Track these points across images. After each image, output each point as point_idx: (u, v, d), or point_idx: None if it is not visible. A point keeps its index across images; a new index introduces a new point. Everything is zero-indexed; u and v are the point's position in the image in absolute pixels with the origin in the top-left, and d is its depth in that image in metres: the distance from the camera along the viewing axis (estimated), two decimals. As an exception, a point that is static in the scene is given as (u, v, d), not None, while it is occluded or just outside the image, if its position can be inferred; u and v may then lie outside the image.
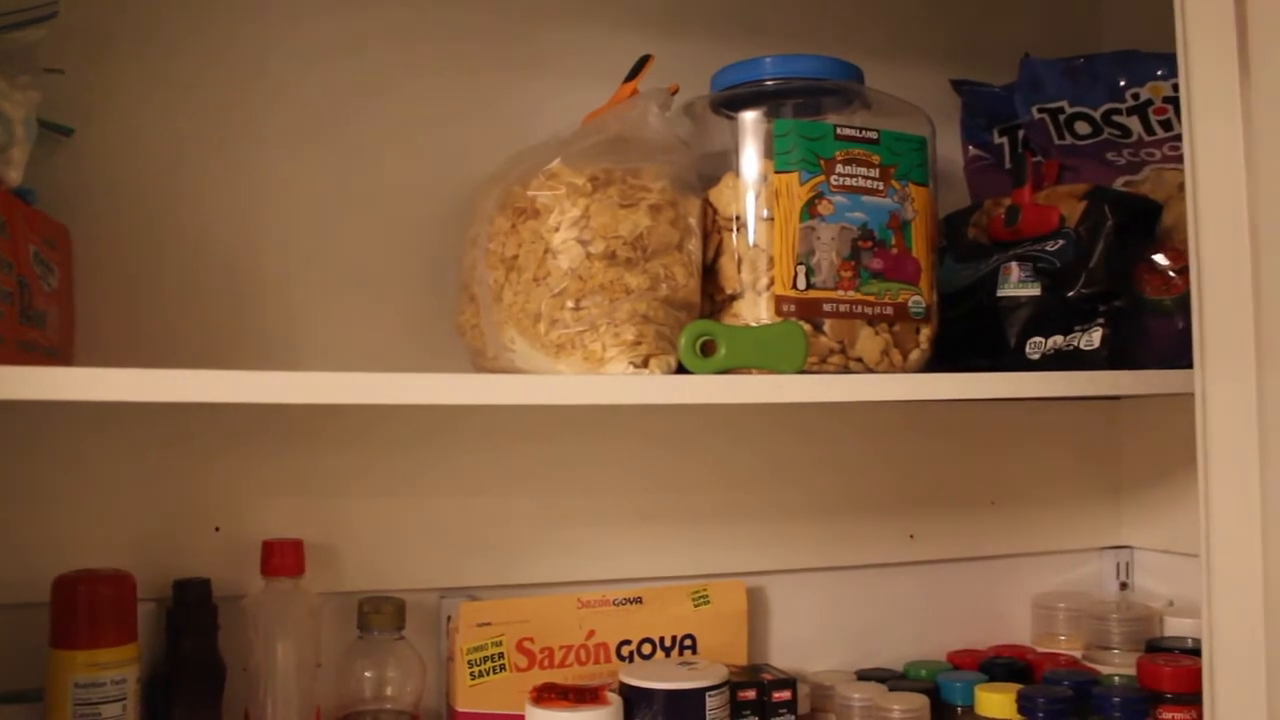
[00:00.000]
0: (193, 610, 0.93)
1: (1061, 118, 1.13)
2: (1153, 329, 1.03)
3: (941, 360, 1.00)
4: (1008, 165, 1.23)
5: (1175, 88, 1.06)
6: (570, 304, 0.85)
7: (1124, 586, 1.31)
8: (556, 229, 0.86)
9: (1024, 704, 1.00)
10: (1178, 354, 1.00)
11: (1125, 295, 1.01)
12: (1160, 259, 1.03)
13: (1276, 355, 0.74)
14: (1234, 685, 0.76)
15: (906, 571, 1.23)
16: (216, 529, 0.99)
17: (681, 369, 0.86)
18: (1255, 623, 0.74)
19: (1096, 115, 1.12)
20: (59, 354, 0.88)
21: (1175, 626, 1.17)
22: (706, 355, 0.85)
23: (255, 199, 1.02)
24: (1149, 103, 1.09)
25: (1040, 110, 1.14)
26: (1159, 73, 1.08)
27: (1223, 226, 0.77)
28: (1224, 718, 0.76)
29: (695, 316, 0.90)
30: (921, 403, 1.16)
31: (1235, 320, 0.76)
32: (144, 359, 0.75)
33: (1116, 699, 1.01)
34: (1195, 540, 1.20)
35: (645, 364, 0.85)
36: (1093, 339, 0.99)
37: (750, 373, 0.87)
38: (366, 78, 1.05)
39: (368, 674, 0.97)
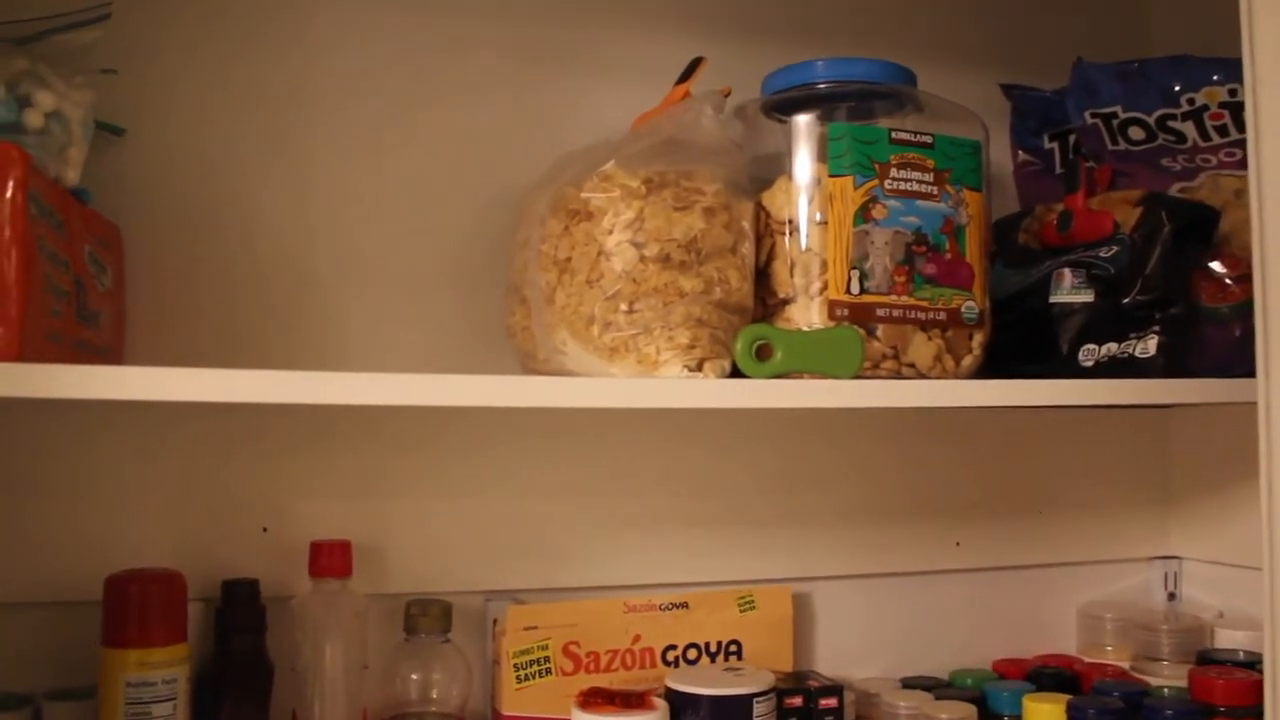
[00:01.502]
0: (241, 610, 0.93)
1: (1115, 123, 1.12)
2: (1209, 337, 1.02)
3: (992, 366, 0.99)
4: (1058, 170, 1.22)
5: (1231, 93, 1.06)
6: (624, 306, 0.85)
7: (1172, 597, 1.30)
8: (610, 231, 0.86)
9: (1074, 715, 1.00)
10: (1234, 362, 0.99)
11: (1181, 303, 0.99)
12: (1217, 266, 1.02)
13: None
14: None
15: (952, 579, 1.22)
16: (264, 530, 0.99)
17: (736, 372, 0.86)
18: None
19: (1151, 120, 1.10)
20: (111, 353, 0.89)
21: (1226, 639, 1.16)
22: (762, 359, 0.85)
23: (304, 202, 1.02)
24: (1204, 108, 1.08)
25: (1093, 115, 1.13)
26: (1214, 78, 1.07)
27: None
28: (1288, 733, 0.75)
29: (748, 320, 0.90)
30: (970, 409, 1.15)
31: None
32: (192, 359, 0.76)
33: (1169, 711, 0.99)
34: (1245, 551, 1.21)
35: (700, 367, 0.85)
36: (1148, 346, 0.97)
37: (804, 377, 0.86)
38: (414, 81, 1.06)
39: (414, 676, 0.97)
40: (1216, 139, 1.08)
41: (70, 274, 0.78)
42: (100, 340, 0.85)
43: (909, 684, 1.13)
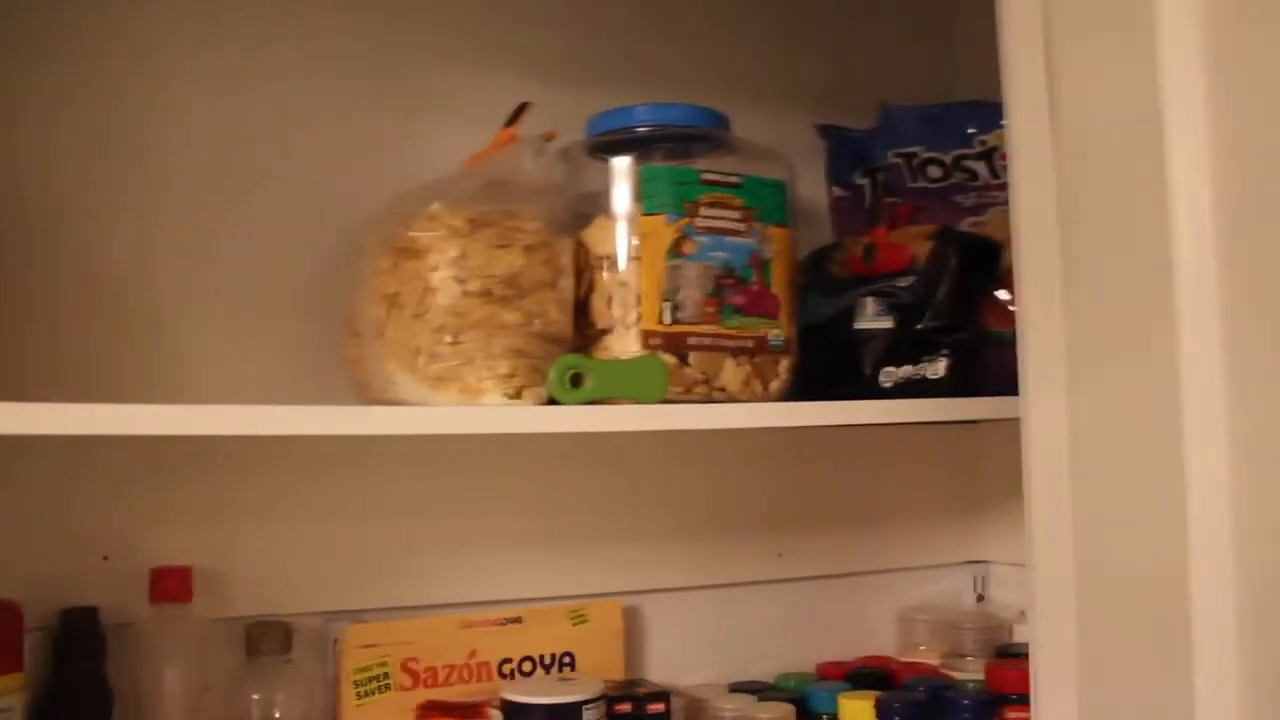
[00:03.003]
0: (80, 638, 0.94)
1: (915, 162, 1.21)
2: (997, 359, 1.11)
3: (810, 387, 1.06)
4: (868, 205, 1.31)
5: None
6: (448, 339, 0.90)
7: (981, 599, 1.40)
8: (436, 268, 0.91)
9: (882, 710, 1.07)
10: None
11: (970, 328, 1.09)
12: (1002, 294, 1.12)
13: (1082, 382, 0.82)
14: (1053, 680, 0.84)
15: (776, 589, 1.29)
16: (105, 558, 1.01)
17: (554, 400, 0.91)
18: (1068, 624, 0.81)
19: (948, 160, 1.20)
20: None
21: (1024, 634, 1.25)
22: (576, 387, 0.91)
23: (142, 230, 1.04)
24: (995, 149, 1.18)
25: (896, 154, 1.22)
26: (1003, 121, 1.16)
27: (1039, 268, 0.85)
28: (1046, 711, 0.84)
29: (567, 350, 0.95)
30: (789, 428, 1.22)
31: (1049, 354, 0.84)
32: (27, 392, 0.76)
33: (966, 702, 1.08)
34: (1045, 554, 1.31)
35: (519, 395, 0.90)
36: (938, 368, 1.07)
37: (616, 403, 0.92)
38: (255, 114, 1.09)
39: (255, 696, 0.99)
40: (1004, 177, 1.18)
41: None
42: (-66, 376, 0.87)
43: (736, 689, 1.19)
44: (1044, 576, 0.85)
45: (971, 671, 1.20)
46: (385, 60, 1.15)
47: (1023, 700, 1.07)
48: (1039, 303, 0.85)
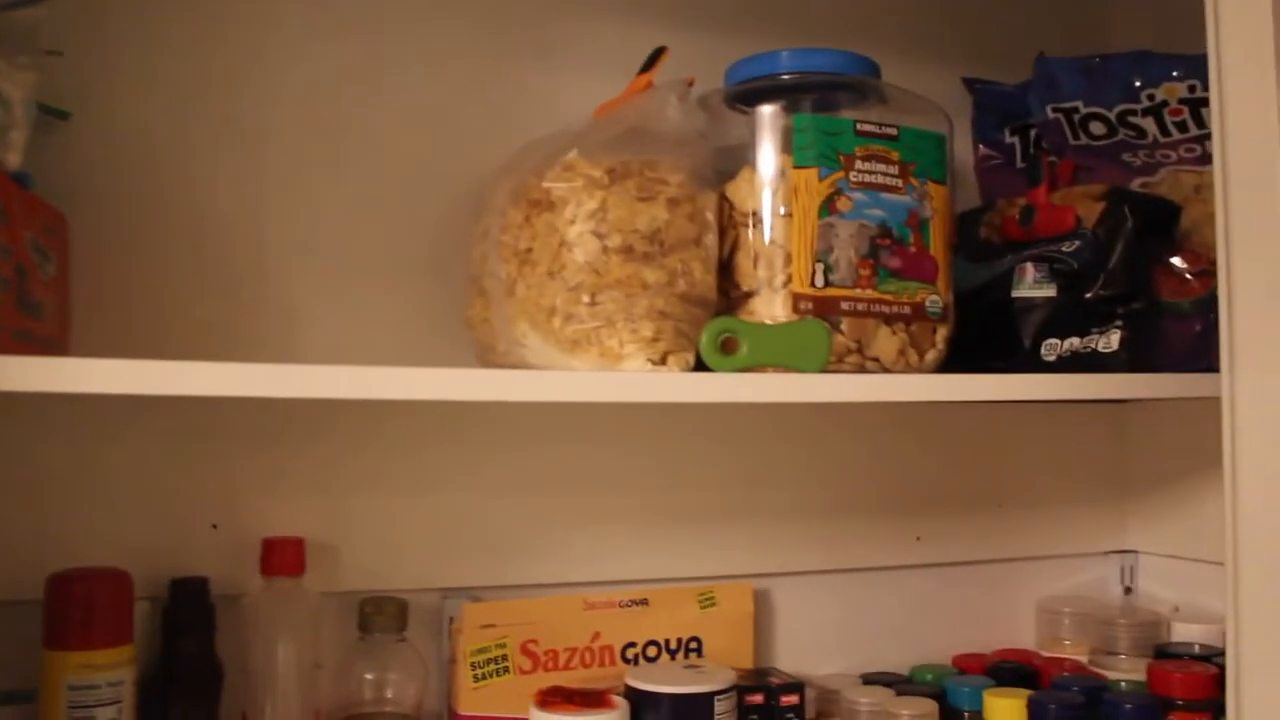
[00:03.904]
0: (190, 609, 0.91)
1: (1076, 118, 1.12)
2: (1169, 332, 1.02)
3: (953, 361, 0.99)
4: (1019, 164, 1.22)
5: (1191, 89, 1.06)
6: (586, 299, 0.83)
7: (1128, 591, 1.31)
8: (573, 221, 0.84)
9: (1036, 710, 0.99)
10: (1194, 357, 0.99)
11: (1143, 298, 1.00)
12: (1177, 262, 1.02)
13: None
14: (1261, 694, 0.75)
15: (912, 574, 1.22)
16: (214, 526, 0.97)
17: (700, 366, 0.84)
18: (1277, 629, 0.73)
19: (1111, 116, 1.10)
20: (55, 345, 0.86)
21: (1182, 632, 1.16)
22: (727, 352, 0.83)
23: (256, 187, 1.00)
24: (1164, 104, 1.08)
25: (1055, 110, 1.12)
26: (1174, 73, 1.07)
27: (1254, 228, 0.76)
28: (1252, 728, 0.75)
29: (711, 313, 0.88)
30: (930, 403, 1.14)
31: (1266, 323, 0.75)
32: (139, 351, 0.73)
33: (1128, 705, 1.00)
34: (1201, 545, 1.22)
35: (663, 361, 0.83)
36: (1111, 341, 0.97)
37: (769, 371, 0.85)
38: (369, 66, 1.03)
39: (368, 676, 0.95)
40: (1176, 134, 1.08)
41: (11, 261, 0.75)
42: (43, 331, 0.82)
43: (869, 680, 1.12)
44: (1249, 576, 0.76)
45: (1125, 671, 1.11)
46: (507, 5, 1.08)
47: (1191, 707, 1.00)
48: (1248, 266, 0.76)
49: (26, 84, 0.81)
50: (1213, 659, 1.07)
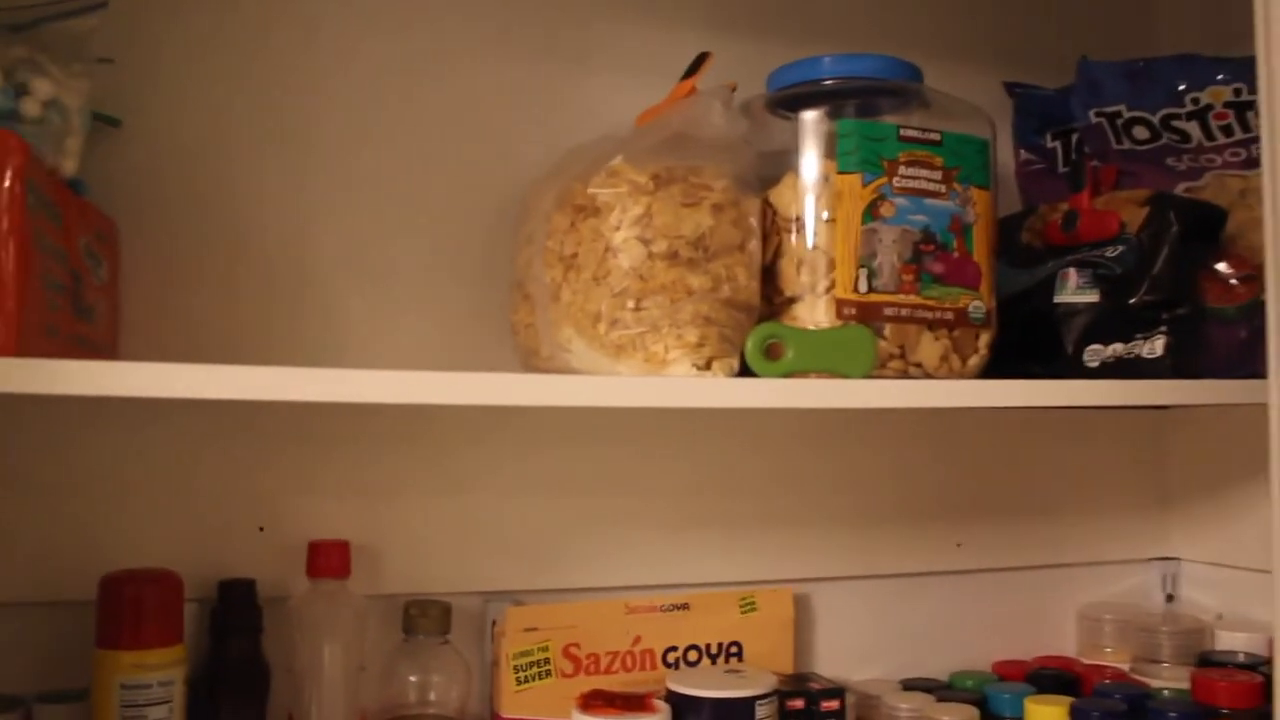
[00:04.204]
0: (238, 611, 0.92)
1: (1119, 122, 1.11)
2: (1213, 338, 1.01)
3: (996, 366, 0.98)
4: (1061, 169, 1.21)
5: (1236, 92, 1.05)
6: (631, 304, 0.84)
7: (1170, 599, 1.30)
8: (618, 227, 0.84)
9: (1078, 717, 0.99)
10: (1239, 363, 0.98)
11: (1188, 303, 0.99)
12: (1222, 267, 1.01)
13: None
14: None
15: (953, 580, 1.22)
16: (261, 529, 0.97)
17: (744, 371, 0.84)
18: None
19: (1155, 120, 1.10)
20: (105, 348, 0.87)
21: (1226, 640, 1.15)
22: (772, 358, 0.83)
23: (303, 196, 1.01)
24: (1209, 108, 1.07)
25: (1098, 114, 1.12)
26: (1219, 77, 1.06)
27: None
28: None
29: (755, 319, 0.88)
30: (972, 408, 1.14)
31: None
32: (186, 355, 0.74)
33: (1173, 714, 0.99)
34: (1243, 553, 1.21)
35: (708, 366, 0.83)
36: (1155, 347, 0.97)
37: (814, 376, 0.85)
38: (412, 71, 1.04)
39: (412, 678, 0.95)
40: (1221, 139, 1.07)
41: (67, 267, 0.77)
42: (95, 335, 0.84)
43: (909, 686, 1.12)
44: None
45: (1168, 679, 1.10)
46: (549, 11, 1.09)
47: (1236, 715, 0.99)
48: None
49: (81, 92, 0.82)
50: (1258, 667, 1.06)
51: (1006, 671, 1.17)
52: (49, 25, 0.82)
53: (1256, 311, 0.89)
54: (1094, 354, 1.00)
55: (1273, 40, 0.78)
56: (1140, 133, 1.11)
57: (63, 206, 0.77)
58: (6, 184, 0.67)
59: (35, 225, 0.70)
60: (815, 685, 1.03)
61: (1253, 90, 1.00)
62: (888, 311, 0.90)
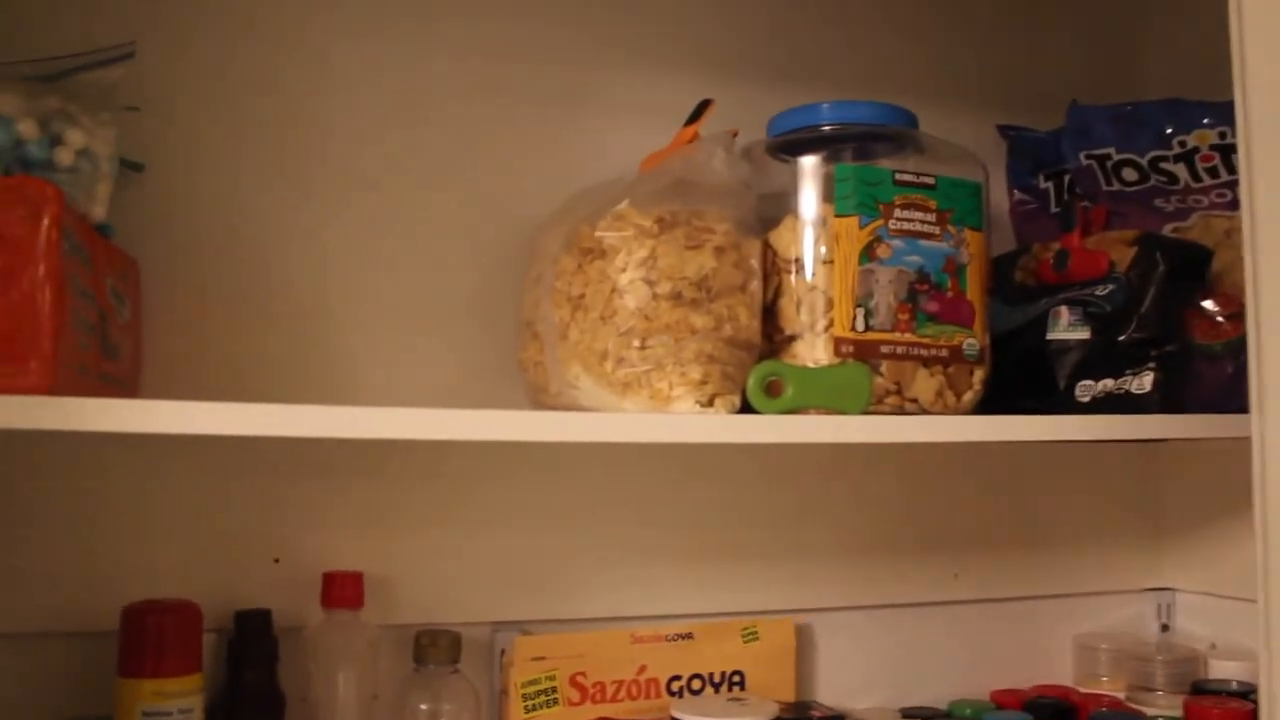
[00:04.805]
0: (254, 641, 0.94)
1: (1109, 164, 1.14)
2: (1201, 373, 1.04)
3: (990, 401, 1.01)
4: (1054, 209, 1.24)
5: (1221, 135, 1.09)
6: (637, 343, 0.87)
7: (1165, 628, 1.32)
8: (624, 269, 0.88)
9: (1074, 745, 1.01)
10: (1226, 398, 1.01)
11: (1175, 340, 1.02)
12: (1209, 305, 1.04)
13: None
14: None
15: (951, 610, 1.24)
16: (276, 560, 1.00)
17: (746, 407, 0.87)
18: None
19: (1143, 162, 1.13)
20: (128, 385, 0.90)
21: (1219, 669, 1.18)
22: (772, 395, 0.86)
23: (317, 236, 1.04)
24: (1195, 150, 1.11)
25: (1088, 156, 1.15)
26: (1205, 120, 1.10)
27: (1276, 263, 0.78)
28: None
29: (756, 357, 0.91)
30: (968, 443, 1.17)
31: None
32: (204, 393, 0.76)
33: (1166, 741, 1.02)
34: (1237, 583, 1.23)
35: (711, 403, 0.86)
36: (1144, 383, 1.00)
37: (813, 413, 0.88)
38: (428, 118, 1.07)
39: (423, 706, 0.97)
40: (1207, 180, 1.11)
41: (95, 307, 0.80)
42: (119, 372, 0.87)
43: (908, 714, 1.14)
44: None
45: (1163, 708, 1.12)
46: (556, 58, 1.12)
47: (1228, 741, 1.02)
48: (1276, 309, 0.78)
49: (109, 140, 0.85)
50: (1249, 695, 1.08)
51: (1004, 700, 1.18)
52: (79, 75, 0.85)
53: (1243, 348, 0.91)
54: (1085, 389, 1.03)
55: (1249, 84, 0.81)
56: (1129, 174, 1.14)
57: (92, 249, 0.80)
58: (44, 232, 0.70)
59: (69, 270, 0.73)
60: (815, 713, 1.06)
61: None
62: (884, 349, 0.93)
